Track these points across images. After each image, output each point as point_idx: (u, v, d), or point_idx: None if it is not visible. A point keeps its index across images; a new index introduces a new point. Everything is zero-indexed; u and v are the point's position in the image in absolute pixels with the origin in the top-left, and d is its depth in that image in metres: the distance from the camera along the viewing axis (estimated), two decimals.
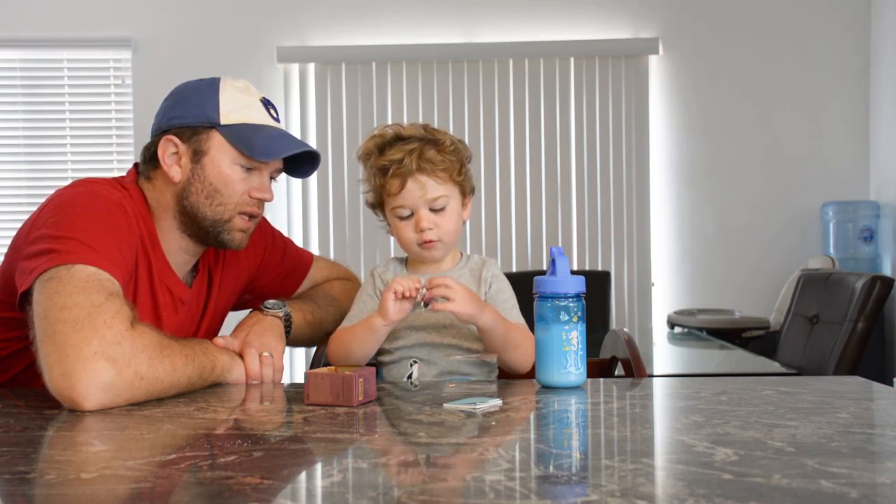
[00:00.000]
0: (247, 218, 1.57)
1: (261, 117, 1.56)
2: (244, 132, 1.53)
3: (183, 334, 1.56)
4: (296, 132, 4.73)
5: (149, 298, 1.53)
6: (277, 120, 1.60)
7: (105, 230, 1.40)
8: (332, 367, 1.36)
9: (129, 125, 4.75)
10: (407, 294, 1.46)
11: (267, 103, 1.59)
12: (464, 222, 1.64)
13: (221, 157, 1.53)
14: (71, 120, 4.81)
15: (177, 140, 1.53)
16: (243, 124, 1.53)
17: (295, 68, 4.78)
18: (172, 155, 1.54)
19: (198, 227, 1.55)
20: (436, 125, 1.63)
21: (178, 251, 1.58)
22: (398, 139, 1.57)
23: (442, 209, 1.56)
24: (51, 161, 4.81)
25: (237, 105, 1.54)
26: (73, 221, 1.39)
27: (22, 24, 4.73)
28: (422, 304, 1.48)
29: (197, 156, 1.53)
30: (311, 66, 4.76)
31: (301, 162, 1.63)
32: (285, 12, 4.76)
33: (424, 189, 1.54)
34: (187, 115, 1.54)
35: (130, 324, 1.31)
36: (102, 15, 4.75)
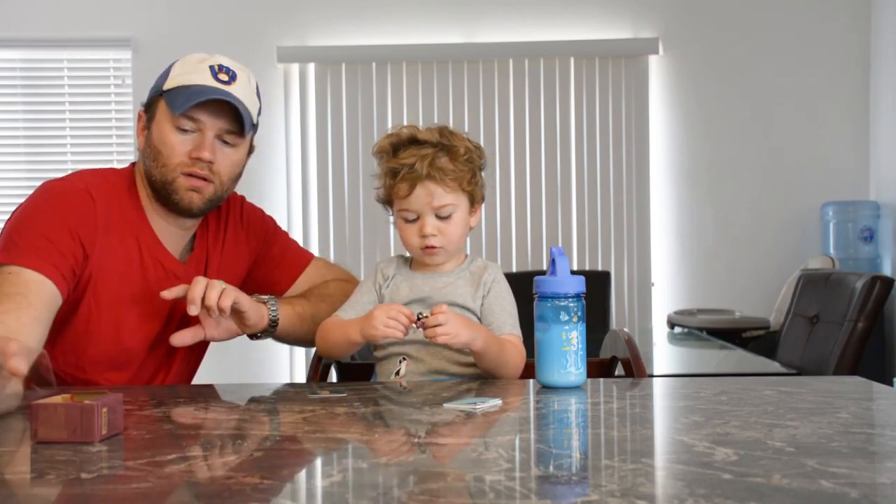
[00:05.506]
0: (193, 179, 1.58)
1: (200, 79, 1.58)
2: (176, 94, 1.58)
3: (179, 311, 1.60)
4: (296, 132, 4.73)
5: (139, 271, 1.58)
6: (228, 83, 1.59)
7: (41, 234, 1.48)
8: (68, 396, 1.11)
9: (129, 125, 4.75)
10: (400, 333, 1.45)
11: (220, 69, 1.60)
12: (471, 228, 1.64)
13: (163, 121, 1.59)
14: (71, 120, 4.81)
15: (142, 112, 1.64)
16: (179, 87, 1.58)
17: (295, 68, 4.77)
18: (142, 129, 1.64)
19: (155, 191, 1.61)
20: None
21: (162, 223, 1.63)
22: (413, 142, 1.57)
23: (448, 217, 1.56)
24: (51, 161, 4.80)
25: (182, 71, 1.60)
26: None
27: (22, 24, 4.73)
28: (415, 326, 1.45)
29: (149, 123, 1.62)
30: (311, 66, 4.76)
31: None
32: (285, 12, 4.76)
33: (432, 196, 1.54)
34: (151, 89, 1.64)
35: None
36: (102, 15, 4.74)
